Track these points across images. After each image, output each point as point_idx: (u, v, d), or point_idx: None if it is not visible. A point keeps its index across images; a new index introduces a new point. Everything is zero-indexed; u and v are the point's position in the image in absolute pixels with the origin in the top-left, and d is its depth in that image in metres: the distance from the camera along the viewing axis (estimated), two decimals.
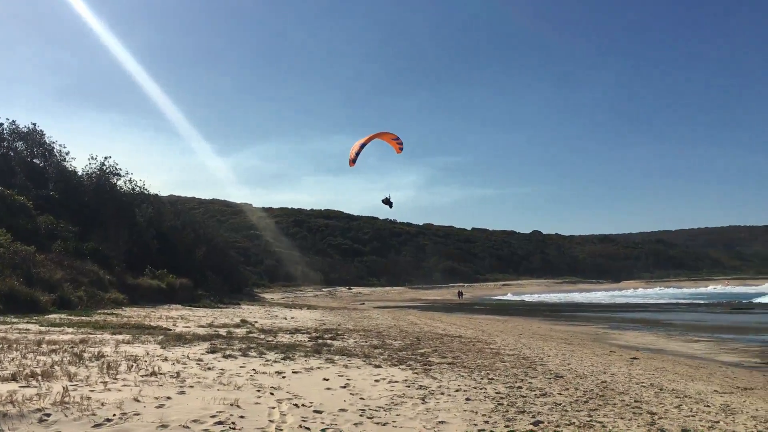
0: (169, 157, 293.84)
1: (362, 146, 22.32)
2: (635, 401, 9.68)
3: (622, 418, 8.31)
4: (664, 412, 8.97)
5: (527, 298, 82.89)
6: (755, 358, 19.32)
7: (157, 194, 46.48)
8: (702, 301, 65.60)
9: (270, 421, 7.25)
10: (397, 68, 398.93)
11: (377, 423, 7.44)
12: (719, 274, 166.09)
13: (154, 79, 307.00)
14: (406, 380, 10.56)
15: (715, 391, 11.70)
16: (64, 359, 10.30)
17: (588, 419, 8.14)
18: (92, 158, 39.37)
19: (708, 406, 9.74)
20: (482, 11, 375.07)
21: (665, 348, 22.00)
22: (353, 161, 22.60)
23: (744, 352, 21.08)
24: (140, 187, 42.40)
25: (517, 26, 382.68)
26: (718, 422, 8.45)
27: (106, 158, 39.75)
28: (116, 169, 40.07)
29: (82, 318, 19.36)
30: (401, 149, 22.99)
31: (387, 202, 22.95)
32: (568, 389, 10.49)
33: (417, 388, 9.83)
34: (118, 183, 40.35)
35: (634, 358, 17.26)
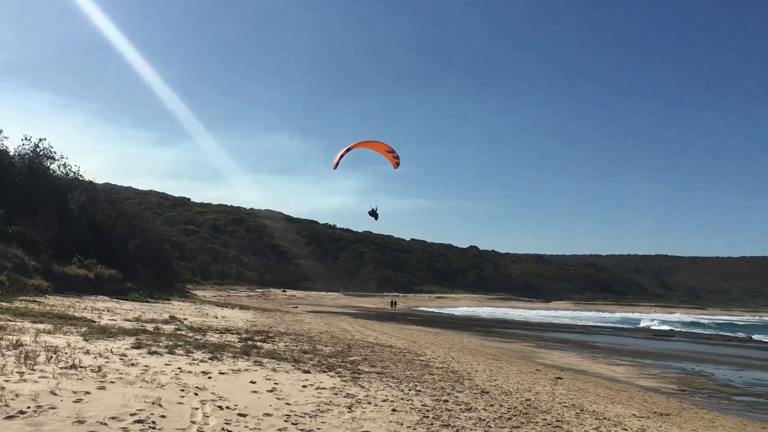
0: (106, 143, 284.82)
1: (347, 150, 21.89)
2: (557, 420, 9.90)
3: None
4: None
5: (460, 311, 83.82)
6: (672, 385, 20.03)
7: (92, 181, 45.09)
8: (626, 326, 67.63)
9: (192, 422, 7.11)
10: (345, 74, 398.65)
11: (302, 429, 7.40)
12: (644, 301, 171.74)
13: (96, 62, 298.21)
14: (334, 387, 10.53)
15: (633, 414, 12.07)
16: None
17: None
18: (26, 139, 37.88)
19: (625, 429, 10.04)
20: (434, 23, 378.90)
21: (589, 369, 22.58)
22: (336, 165, 22.25)
23: (662, 378, 21.82)
24: (75, 173, 40.99)
25: (468, 43, 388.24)
26: None
27: (40, 140, 38.30)
28: (51, 152, 38.64)
29: (2, 304, 18.54)
30: (398, 164, 22.39)
31: (373, 213, 22.62)
32: (493, 405, 10.65)
33: (344, 396, 9.81)
34: (52, 167, 38.94)
35: (559, 378, 17.65)
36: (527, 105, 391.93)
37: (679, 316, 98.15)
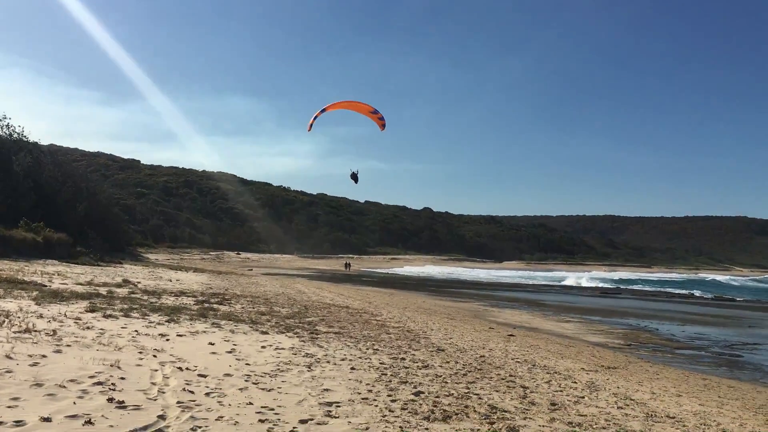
0: (50, 103, 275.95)
1: (322, 112, 21.25)
2: (510, 376, 10.21)
3: (497, 391, 8.76)
4: (536, 386, 9.52)
5: (415, 272, 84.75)
6: (619, 340, 20.77)
7: (36, 143, 43.72)
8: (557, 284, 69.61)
9: (152, 383, 7.12)
10: (298, 32, 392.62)
11: (262, 389, 7.47)
12: (591, 260, 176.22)
13: (37, 18, 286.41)
14: (292, 347, 10.63)
15: (582, 368, 12.51)
16: None
17: (466, 391, 8.52)
18: None
19: (575, 382, 10.42)
20: None
21: (540, 327, 23.21)
22: (310, 126, 21.61)
23: (609, 333, 22.60)
24: (18, 134, 39.74)
25: (428, 1, 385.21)
26: (583, 397, 9.07)
27: None
28: None
29: None
30: (384, 126, 21.86)
31: (354, 177, 22.17)
32: (448, 362, 10.91)
33: (303, 356, 9.92)
34: None
35: (511, 335, 18.13)
36: (481, 63, 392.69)
37: (600, 274, 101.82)
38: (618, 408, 8.57)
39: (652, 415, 8.36)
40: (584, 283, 72.01)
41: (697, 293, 59.06)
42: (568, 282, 74.47)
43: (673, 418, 8.36)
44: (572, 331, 22.48)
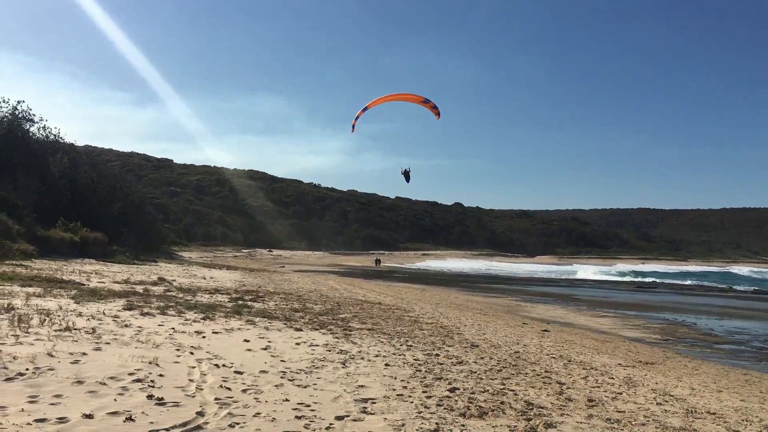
0: (85, 105, 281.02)
1: (364, 110, 20.72)
2: (545, 371, 10.12)
3: (533, 387, 8.68)
4: (572, 382, 9.42)
5: (446, 268, 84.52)
6: (656, 335, 20.46)
7: (72, 144, 44.48)
8: (610, 279, 68.91)
9: (190, 380, 7.20)
10: (327, 31, 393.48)
11: (298, 385, 7.51)
12: (626, 254, 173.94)
13: (70, 23, 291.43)
14: (326, 344, 10.67)
15: (619, 364, 12.35)
16: None
17: (501, 387, 8.46)
18: (4, 101, 37.23)
19: (612, 378, 10.29)
20: None
21: (574, 322, 22.99)
22: (353, 127, 21.19)
23: (646, 328, 22.27)
24: (55, 135, 40.46)
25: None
26: (621, 393, 8.95)
27: (19, 102, 37.67)
28: (30, 114, 38.07)
29: None
30: (439, 114, 21.23)
31: (406, 174, 21.82)
32: (483, 358, 10.85)
33: (338, 353, 9.95)
34: (32, 129, 38.38)
35: (545, 331, 17.97)
36: (511, 60, 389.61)
37: (620, 267, 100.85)
38: (657, 404, 8.44)
39: (692, 411, 8.22)
40: (591, 276, 72.74)
41: (738, 287, 57.91)
42: (580, 275, 75.58)
43: (714, 414, 8.21)
44: (608, 326, 22.21)
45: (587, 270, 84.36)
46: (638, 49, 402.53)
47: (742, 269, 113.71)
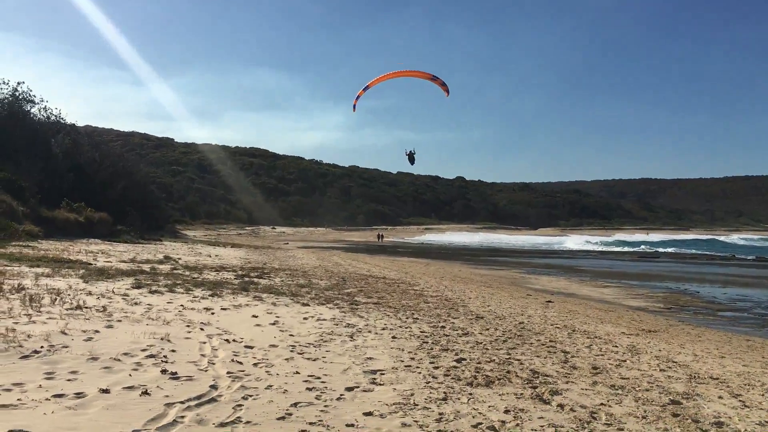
0: (84, 85, 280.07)
1: (365, 89, 20.18)
2: (550, 341, 10.26)
3: (538, 356, 8.82)
4: (576, 351, 9.56)
5: (449, 242, 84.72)
6: (659, 304, 20.61)
7: (74, 124, 44.42)
8: (613, 249, 69.25)
9: (202, 355, 7.34)
10: (330, 4, 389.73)
11: (308, 358, 7.65)
12: (628, 224, 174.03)
13: (70, 1, 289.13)
14: (333, 318, 10.81)
15: (622, 332, 12.49)
16: None
17: (507, 357, 8.60)
18: (3, 83, 37.12)
19: (616, 346, 10.43)
20: None
21: (577, 292, 23.14)
22: (354, 106, 20.83)
23: (649, 297, 22.42)
24: (56, 116, 40.43)
25: None
26: (625, 361, 9.09)
27: (19, 83, 37.58)
28: (30, 95, 38.00)
29: None
30: (448, 92, 20.91)
31: (411, 157, 21.48)
32: (488, 329, 11.00)
33: (345, 326, 10.09)
34: (32, 111, 38.35)
35: (549, 302, 18.12)
36: (512, 30, 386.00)
37: (594, 237, 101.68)
38: (660, 370, 8.57)
39: (695, 376, 8.36)
40: (574, 246, 74.51)
41: (739, 255, 58.10)
42: (568, 245, 77.72)
43: (717, 379, 8.35)
44: (611, 296, 22.36)
45: (575, 240, 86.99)
46: (640, 17, 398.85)
47: (732, 237, 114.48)
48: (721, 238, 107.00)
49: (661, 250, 67.06)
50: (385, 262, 34.00)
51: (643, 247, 71.60)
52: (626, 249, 69.31)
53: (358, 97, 20.63)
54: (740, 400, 7.16)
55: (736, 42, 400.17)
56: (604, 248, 71.19)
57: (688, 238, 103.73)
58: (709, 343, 12.38)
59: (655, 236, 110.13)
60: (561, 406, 6.31)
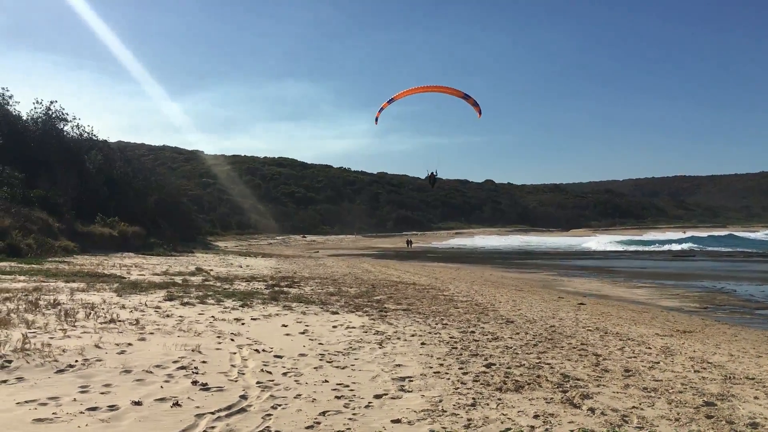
0: (115, 101, 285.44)
1: (390, 101, 19.73)
2: (581, 344, 10.15)
3: (569, 360, 8.74)
4: (609, 353, 9.45)
5: (479, 246, 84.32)
6: (694, 303, 20.27)
7: (106, 140, 45.34)
8: (646, 249, 68.27)
9: (232, 365, 7.42)
10: (352, 12, 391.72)
11: (337, 366, 7.68)
12: (663, 223, 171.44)
13: (100, 18, 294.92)
14: (363, 326, 10.84)
15: (656, 334, 12.31)
16: (20, 307, 10.22)
17: (537, 361, 8.54)
18: (37, 102, 38.05)
19: (649, 348, 10.28)
20: None
21: (610, 294, 22.86)
22: (377, 119, 20.22)
23: (684, 297, 22.06)
24: (89, 133, 41.27)
25: None
26: (658, 363, 8.96)
27: (52, 102, 38.49)
28: (63, 114, 38.87)
29: (33, 266, 19.06)
30: (480, 113, 20.34)
31: (432, 179, 20.96)
32: (518, 333, 10.93)
33: (374, 334, 10.11)
34: (65, 128, 39.22)
35: (581, 304, 17.93)
36: (538, 30, 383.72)
37: (626, 237, 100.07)
38: (695, 372, 8.44)
39: (730, 377, 8.20)
40: (596, 247, 74.09)
41: None
42: (585, 245, 78.28)
43: (753, 379, 8.18)
44: (645, 297, 22.05)
45: (598, 240, 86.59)
46: (670, 11, 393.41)
47: (758, 233, 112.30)
48: (740, 234, 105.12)
49: (675, 248, 66.44)
50: (415, 267, 33.97)
51: (656, 245, 70.83)
52: (643, 248, 68.73)
53: (381, 109, 20.25)
54: None
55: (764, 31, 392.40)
56: (621, 248, 70.56)
57: (703, 235, 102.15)
58: (746, 342, 12.14)
59: (672, 234, 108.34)
60: (592, 410, 6.24)
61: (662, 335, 12.19)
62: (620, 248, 70.17)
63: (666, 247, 67.67)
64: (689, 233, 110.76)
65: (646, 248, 68.87)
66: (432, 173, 20.66)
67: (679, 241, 76.75)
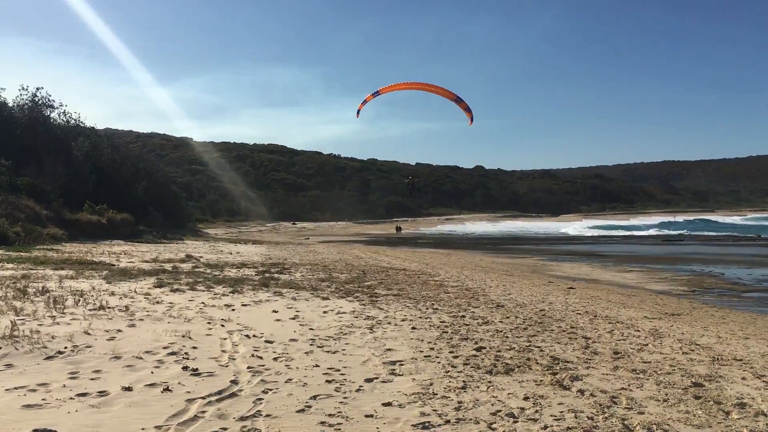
0: (103, 87, 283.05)
1: (375, 94, 18.99)
2: (571, 327, 10.21)
3: (558, 343, 8.79)
4: (598, 336, 9.51)
5: (470, 231, 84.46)
6: (683, 287, 20.42)
7: (93, 127, 44.90)
8: (636, 233, 68.73)
9: (223, 351, 7.42)
10: None
11: (327, 351, 7.69)
12: (652, 208, 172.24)
13: (87, 3, 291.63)
14: (353, 311, 10.85)
15: (645, 317, 12.40)
16: (8, 294, 10.17)
17: (527, 344, 8.58)
18: (23, 89, 37.61)
19: (638, 330, 10.36)
20: None
21: (600, 278, 22.99)
22: (358, 112, 19.93)
23: (673, 281, 22.22)
24: (76, 120, 40.91)
25: None
26: (647, 345, 9.02)
27: (38, 89, 38.04)
28: (49, 100, 38.46)
29: (21, 254, 18.94)
30: (472, 120, 19.91)
31: (411, 185, 20.66)
32: (508, 317, 10.97)
33: (365, 319, 10.13)
34: (52, 115, 38.83)
35: (571, 288, 18.03)
36: (527, 14, 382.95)
37: (588, 222, 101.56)
38: (683, 353, 8.51)
39: (718, 358, 8.28)
40: (571, 232, 74.72)
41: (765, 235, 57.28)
42: (563, 230, 79.06)
43: (740, 360, 8.26)
44: (634, 281, 22.19)
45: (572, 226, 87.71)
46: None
47: (733, 217, 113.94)
48: (713, 218, 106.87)
49: (642, 233, 67.65)
50: (406, 253, 34.01)
51: (634, 232, 71.90)
52: (619, 233, 69.58)
53: (365, 101, 19.70)
54: (764, 381, 7.09)
55: (761, 15, 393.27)
56: (596, 233, 71.32)
57: (678, 220, 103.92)
58: (734, 324, 12.26)
59: (645, 220, 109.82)
60: (581, 391, 6.29)
61: (651, 318, 12.28)
62: (592, 233, 70.78)
63: (637, 232, 69.19)
64: (664, 218, 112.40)
65: (613, 233, 70.32)
66: (412, 179, 20.58)
67: (648, 227, 78.98)
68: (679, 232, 68.00)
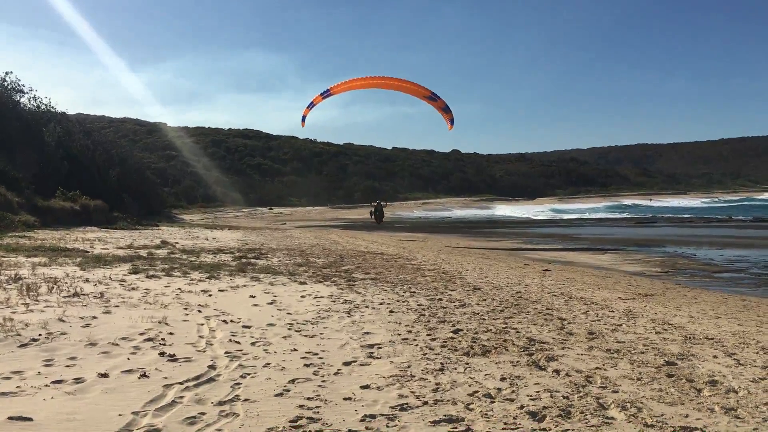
0: (74, 72, 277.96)
1: (325, 95, 16.40)
2: (547, 309, 10.33)
3: (534, 324, 8.89)
4: (573, 317, 9.63)
5: (447, 215, 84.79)
6: (656, 268, 20.71)
7: (64, 113, 44.25)
8: (610, 216, 69.61)
9: (200, 336, 7.39)
10: None
11: (305, 336, 7.70)
12: (626, 190, 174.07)
13: None
14: (331, 295, 10.87)
15: (619, 298, 12.57)
16: None
17: (504, 326, 8.66)
18: None
19: (612, 311, 10.50)
20: None
21: (575, 260, 23.22)
22: (303, 120, 17.31)
23: (646, 262, 22.52)
24: (46, 105, 40.25)
25: None
26: (621, 325, 9.16)
27: (7, 73, 37.33)
28: (19, 85, 37.77)
29: None
30: (452, 124, 17.67)
31: (378, 212, 20.03)
32: (485, 300, 11.06)
33: (342, 303, 10.15)
34: (22, 100, 38.14)
35: (547, 270, 18.20)
36: (497, 4, 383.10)
37: (544, 207, 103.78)
38: (656, 333, 8.65)
39: (690, 337, 8.43)
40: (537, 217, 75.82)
41: (737, 217, 58.33)
42: (529, 215, 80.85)
43: (712, 339, 8.42)
44: (608, 263, 22.45)
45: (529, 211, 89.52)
46: None
47: (670, 200, 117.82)
48: (644, 203, 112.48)
49: (588, 216, 70.34)
50: (383, 238, 34.05)
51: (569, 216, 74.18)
52: (559, 216, 71.99)
53: (312, 105, 17.15)
54: (735, 359, 7.23)
55: (733, 3, 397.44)
56: (542, 218, 72.87)
57: (613, 204, 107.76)
58: (705, 304, 12.47)
59: (581, 205, 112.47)
60: (557, 371, 6.37)
61: (625, 299, 12.45)
62: (541, 218, 72.24)
63: (587, 215, 72.50)
64: (609, 201, 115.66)
65: (563, 216, 73.14)
66: (380, 203, 19.31)
67: (594, 211, 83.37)
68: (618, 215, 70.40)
